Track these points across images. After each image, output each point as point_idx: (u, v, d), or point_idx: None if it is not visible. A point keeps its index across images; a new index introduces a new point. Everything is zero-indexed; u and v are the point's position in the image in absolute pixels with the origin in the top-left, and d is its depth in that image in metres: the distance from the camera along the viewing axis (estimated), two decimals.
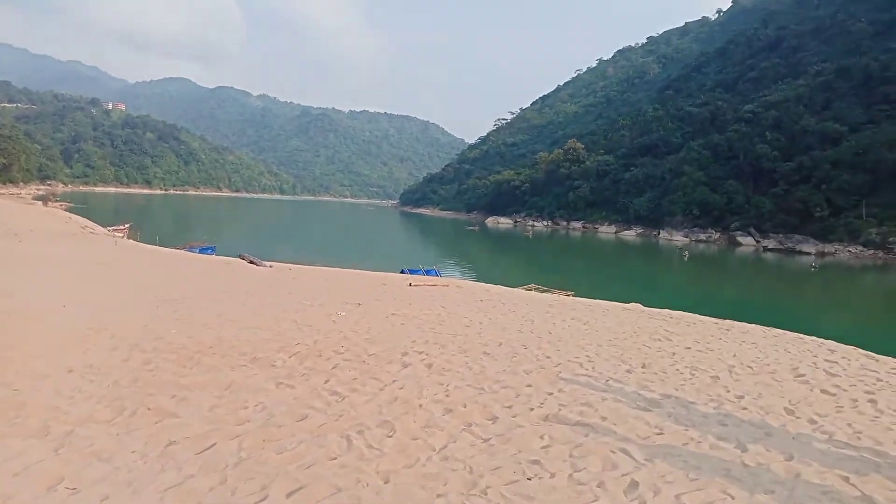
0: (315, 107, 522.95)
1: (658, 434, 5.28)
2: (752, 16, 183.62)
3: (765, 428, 5.57)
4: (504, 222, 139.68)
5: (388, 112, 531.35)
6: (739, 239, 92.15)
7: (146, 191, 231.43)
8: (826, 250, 79.67)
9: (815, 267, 62.56)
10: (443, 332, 9.81)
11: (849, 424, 5.76)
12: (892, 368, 9.17)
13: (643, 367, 8.00)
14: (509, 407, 5.90)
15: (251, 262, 21.34)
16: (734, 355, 9.22)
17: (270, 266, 22.62)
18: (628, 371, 7.71)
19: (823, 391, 7.17)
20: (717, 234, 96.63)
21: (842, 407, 6.43)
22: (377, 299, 13.59)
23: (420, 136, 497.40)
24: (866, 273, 62.36)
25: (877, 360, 9.77)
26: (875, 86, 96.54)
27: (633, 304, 18.21)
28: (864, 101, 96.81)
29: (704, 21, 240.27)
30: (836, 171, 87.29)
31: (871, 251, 76.22)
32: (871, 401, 6.78)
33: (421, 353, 8.10)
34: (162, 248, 36.03)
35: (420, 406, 5.82)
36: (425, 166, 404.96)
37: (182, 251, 32.69)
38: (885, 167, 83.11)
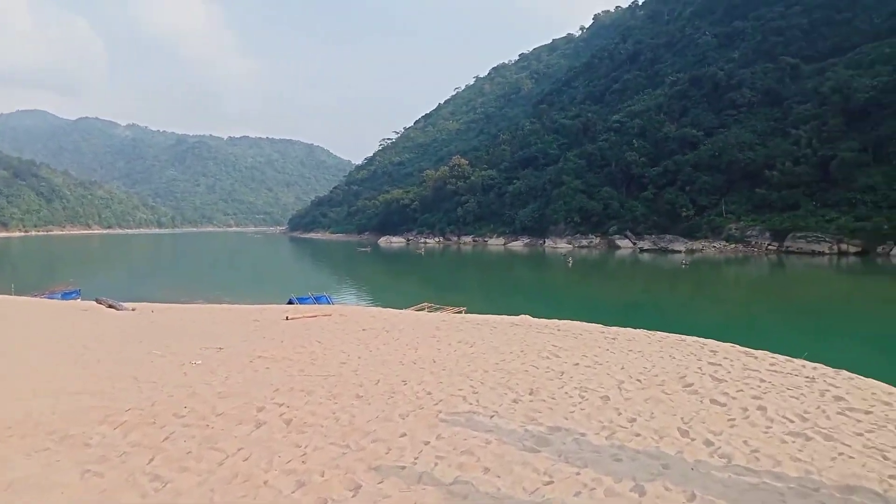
0: (191, 134, 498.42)
1: (547, 483, 4.54)
2: (611, 31, 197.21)
3: (661, 458, 5.01)
4: (396, 241, 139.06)
5: (271, 137, 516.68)
6: (618, 242, 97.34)
7: (2, 234, 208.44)
8: (694, 247, 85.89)
9: (685, 264, 66.99)
10: (313, 375, 8.68)
11: (745, 442, 5.34)
12: (771, 365, 9.20)
13: (531, 393, 7.33)
14: (376, 469, 4.94)
15: (110, 307, 18.85)
16: (622, 367, 8.83)
17: (133, 309, 20.19)
18: (515, 401, 7.00)
19: (714, 401, 6.83)
20: (598, 239, 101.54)
21: (734, 420, 6.05)
22: (244, 340, 12.13)
23: (305, 160, 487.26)
24: (730, 266, 67.55)
25: (756, 358, 9.82)
26: (723, 93, 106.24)
27: (521, 317, 17.85)
28: (715, 108, 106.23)
29: (570, 38, 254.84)
30: (697, 173, 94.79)
31: (733, 245, 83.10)
32: (760, 408, 6.49)
33: (281, 405, 6.94)
34: (17, 297, 31.86)
35: (265, 483, 4.71)
36: (313, 190, 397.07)
37: (40, 298, 28.80)
38: (737, 167, 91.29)
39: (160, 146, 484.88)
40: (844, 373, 8.82)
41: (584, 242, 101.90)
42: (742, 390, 7.33)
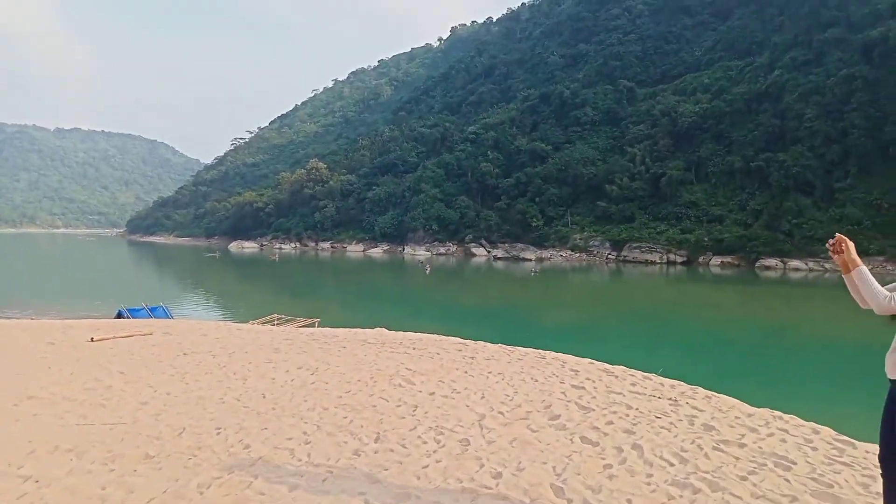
0: (10, 123, 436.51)
1: None
2: (468, 45, 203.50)
3: None
4: (249, 246, 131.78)
5: (107, 130, 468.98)
6: (474, 250, 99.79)
7: None
8: (543, 256, 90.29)
9: (535, 272, 69.92)
10: (96, 424, 6.66)
11: (629, 501, 4.46)
12: (632, 385, 8.74)
13: (376, 440, 6.03)
14: None
15: None
16: (483, 396, 7.83)
17: None
18: (356, 452, 5.65)
19: (584, 439, 6.00)
20: (455, 247, 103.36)
21: (611, 466, 5.20)
22: (20, 373, 9.56)
23: (147, 157, 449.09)
24: (575, 273, 71.65)
25: (616, 377, 9.38)
26: (569, 110, 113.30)
27: (377, 331, 16.59)
28: (562, 124, 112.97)
29: (428, 48, 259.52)
30: (546, 186, 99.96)
31: (578, 254, 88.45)
32: (635, 446, 5.75)
33: (27, 478, 5.01)
34: None
35: None
36: (155, 189, 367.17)
37: None
38: (581, 181, 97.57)
39: None
40: (701, 390, 8.57)
41: (442, 250, 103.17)
42: (612, 422, 6.60)
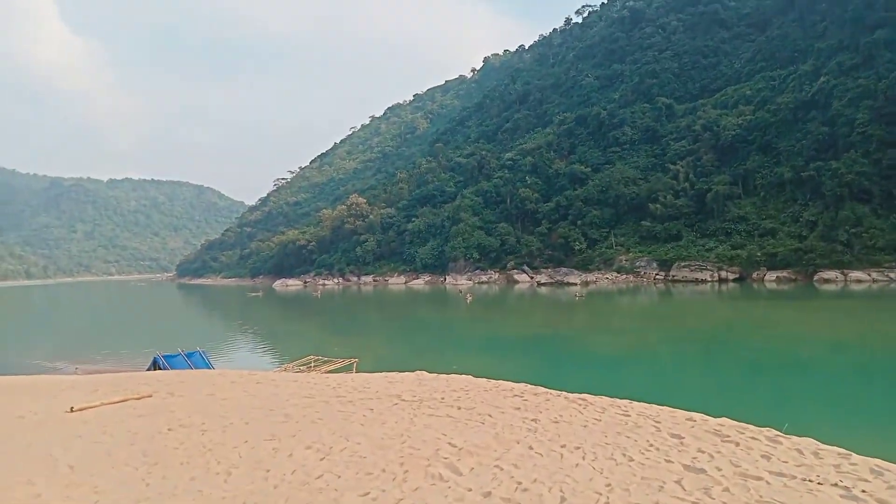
0: (67, 177, 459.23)
1: None
2: (501, 73, 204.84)
3: None
4: (293, 284, 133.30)
5: (156, 178, 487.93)
6: (516, 277, 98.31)
7: None
8: (589, 279, 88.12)
9: (580, 296, 67.98)
10: None
11: None
12: (766, 460, 6.95)
13: None
14: None
15: None
16: (563, 498, 5.92)
17: None
18: None
19: None
20: (497, 274, 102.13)
21: None
22: None
23: (195, 202, 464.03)
24: (622, 296, 69.31)
25: (738, 445, 7.59)
26: (606, 131, 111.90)
27: (416, 375, 15.41)
28: (601, 145, 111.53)
29: (462, 79, 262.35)
30: (587, 208, 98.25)
31: (624, 276, 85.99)
32: None
33: None
34: None
35: None
36: (203, 233, 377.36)
37: None
38: (623, 201, 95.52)
39: (31, 189, 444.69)
40: (858, 458, 6.98)
41: (484, 278, 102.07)
42: None
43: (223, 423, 9.93)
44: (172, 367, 22.45)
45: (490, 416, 9.45)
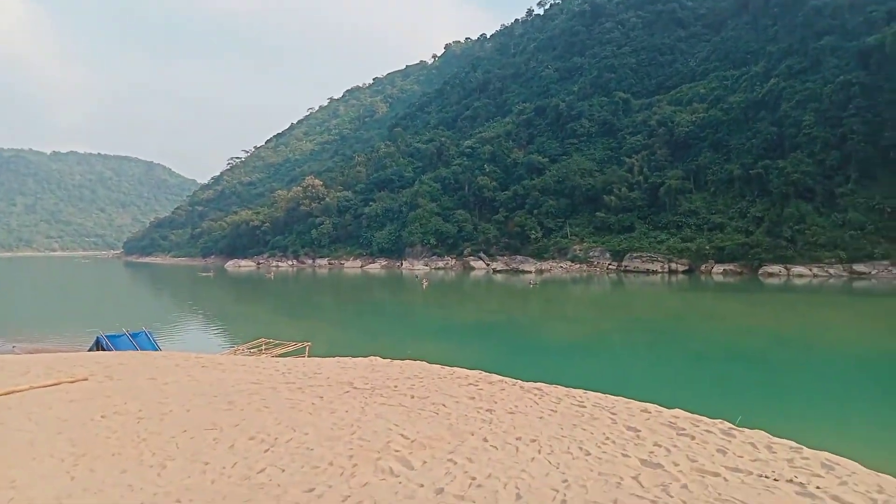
0: (6, 148, 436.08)
1: None
2: (462, 61, 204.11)
3: None
4: (246, 265, 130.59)
5: (103, 153, 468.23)
6: (472, 263, 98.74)
7: None
8: (543, 268, 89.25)
9: (534, 284, 68.79)
10: None
11: None
12: (721, 454, 6.85)
13: None
14: None
15: None
16: (519, 496, 5.65)
17: None
18: None
19: None
20: (453, 261, 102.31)
21: None
22: None
23: (143, 179, 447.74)
24: (576, 284, 70.47)
25: (693, 439, 7.44)
26: (565, 123, 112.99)
27: (369, 360, 15.08)
28: (559, 136, 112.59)
29: (423, 65, 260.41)
30: (544, 198, 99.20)
31: (578, 265, 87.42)
32: None
33: None
34: None
35: None
36: (152, 210, 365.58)
37: None
38: (579, 192, 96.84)
39: None
40: (809, 452, 7.07)
41: (441, 264, 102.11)
42: None
43: (162, 411, 9.35)
44: (116, 348, 21.69)
45: (444, 405, 9.16)
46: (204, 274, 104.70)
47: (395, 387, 10.77)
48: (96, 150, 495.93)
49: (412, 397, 9.80)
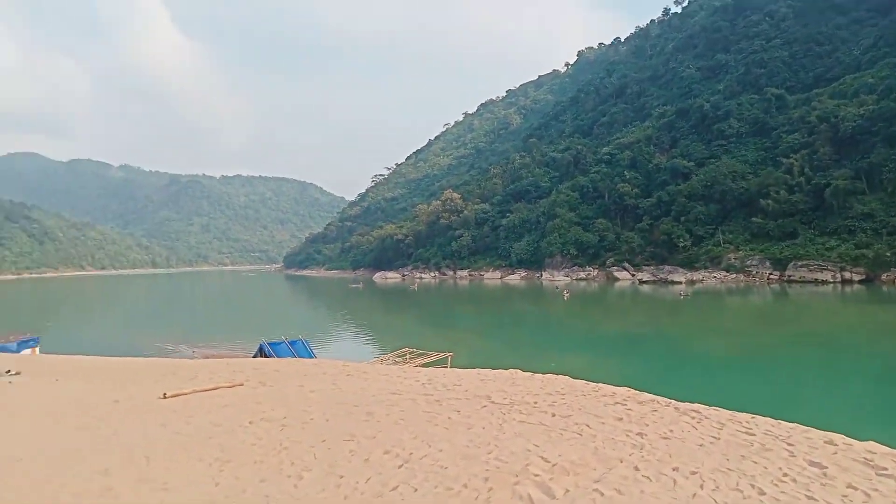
0: (184, 174, 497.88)
1: None
2: (596, 67, 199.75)
3: None
4: (391, 277, 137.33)
5: (263, 175, 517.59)
6: (616, 274, 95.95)
7: None
8: (695, 278, 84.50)
9: (685, 295, 65.43)
10: None
11: None
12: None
13: None
14: None
15: None
16: None
17: (10, 373, 15.79)
18: None
19: None
20: (595, 271, 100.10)
21: None
22: (14, 458, 7.89)
23: (299, 198, 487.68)
24: (734, 296, 65.79)
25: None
26: (710, 124, 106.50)
27: (510, 373, 14.82)
28: (704, 138, 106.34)
29: (556, 74, 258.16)
30: (692, 203, 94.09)
31: (734, 275, 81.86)
32: None
33: None
34: None
35: None
36: (307, 227, 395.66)
37: None
38: (731, 197, 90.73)
39: (153, 186, 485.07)
40: None
41: (582, 275, 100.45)
42: None
43: (304, 419, 9.72)
44: (277, 355, 23.38)
45: (588, 426, 8.46)
46: (354, 286, 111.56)
47: (535, 403, 10.26)
48: (257, 172, 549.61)
49: (553, 415, 9.22)
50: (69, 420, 10.04)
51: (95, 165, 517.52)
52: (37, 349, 28.11)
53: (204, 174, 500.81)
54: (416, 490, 6.11)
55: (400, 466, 6.92)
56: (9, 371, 15.87)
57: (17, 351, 26.54)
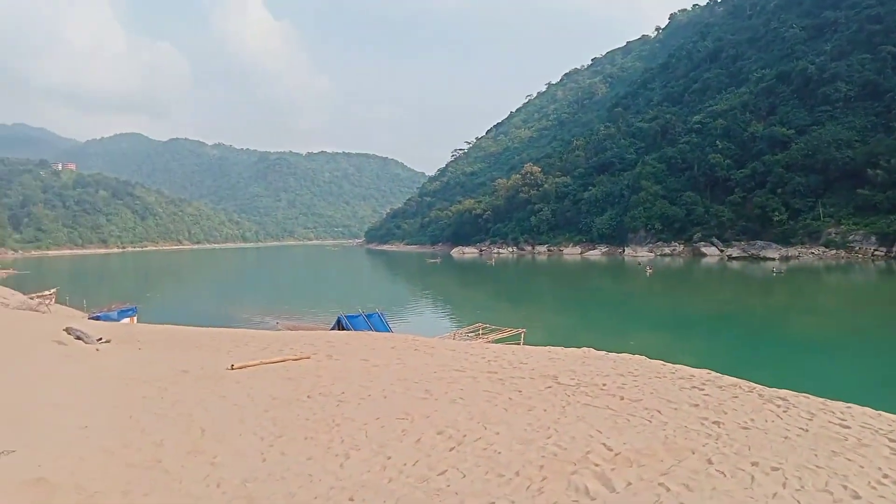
0: (272, 151, 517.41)
1: None
2: (689, 30, 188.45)
3: None
4: (469, 252, 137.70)
5: (346, 151, 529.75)
6: (703, 249, 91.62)
7: (102, 250, 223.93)
8: (790, 254, 79.32)
9: (778, 272, 61.56)
10: None
11: None
12: None
13: None
14: None
15: (77, 339, 17.15)
16: None
17: (100, 341, 16.57)
18: None
19: None
20: (681, 247, 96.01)
21: None
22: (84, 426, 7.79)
23: (380, 173, 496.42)
24: (832, 274, 61.51)
25: None
26: (814, 88, 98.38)
27: (582, 352, 14.41)
28: (807, 104, 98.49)
29: (645, 39, 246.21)
30: (790, 174, 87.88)
31: (833, 251, 76.15)
32: None
33: None
34: (79, 312, 32.84)
35: None
36: (388, 202, 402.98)
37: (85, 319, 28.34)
38: (835, 167, 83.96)
39: (244, 163, 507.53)
40: None
41: (667, 250, 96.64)
42: None
43: (361, 395, 9.61)
44: (354, 327, 23.86)
45: (659, 411, 7.90)
46: (431, 261, 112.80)
47: (604, 385, 9.80)
48: (340, 149, 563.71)
49: (621, 399, 8.72)
50: (138, 388, 10.35)
51: (192, 144, 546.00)
52: (135, 318, 30.05)
53: (290, 151, 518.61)
54: (464, 476, 5.85)
55: (451, 449, 6.68)
56: (100, 339, 16.95)
57: (118, 319, 28.36)
